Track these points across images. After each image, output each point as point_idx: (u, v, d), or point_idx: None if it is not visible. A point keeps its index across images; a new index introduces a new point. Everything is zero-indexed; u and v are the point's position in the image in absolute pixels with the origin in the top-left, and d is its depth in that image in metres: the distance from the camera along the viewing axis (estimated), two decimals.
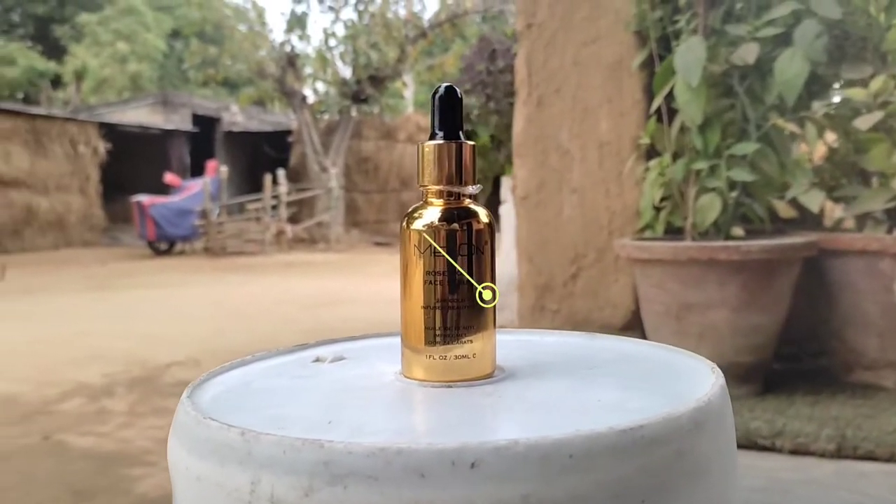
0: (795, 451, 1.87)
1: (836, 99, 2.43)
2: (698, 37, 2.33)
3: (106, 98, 17.83)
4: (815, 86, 2.38)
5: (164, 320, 5.27)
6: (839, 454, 1.83)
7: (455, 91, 0.55)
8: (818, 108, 2.34)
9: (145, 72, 19.57)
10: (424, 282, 0.53)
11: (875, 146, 2.25)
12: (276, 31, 15.23)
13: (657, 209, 2.57)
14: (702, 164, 2.33)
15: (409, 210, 0.55)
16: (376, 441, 0.38)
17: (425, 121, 13.92)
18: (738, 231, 2.33)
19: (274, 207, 11.73)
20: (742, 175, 2.25)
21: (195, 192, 11.06)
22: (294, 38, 13.22)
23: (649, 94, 2.69)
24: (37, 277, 8.23)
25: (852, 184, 2.46)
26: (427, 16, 13.06)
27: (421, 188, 0.55)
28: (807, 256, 2.24)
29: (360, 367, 0.61)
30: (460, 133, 0.55)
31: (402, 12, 13.09)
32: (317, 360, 0.64)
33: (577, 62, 2.82)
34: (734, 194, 2.32)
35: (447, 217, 0.54)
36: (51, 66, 19.45)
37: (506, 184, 3.52)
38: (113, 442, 2.63)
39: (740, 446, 1.88)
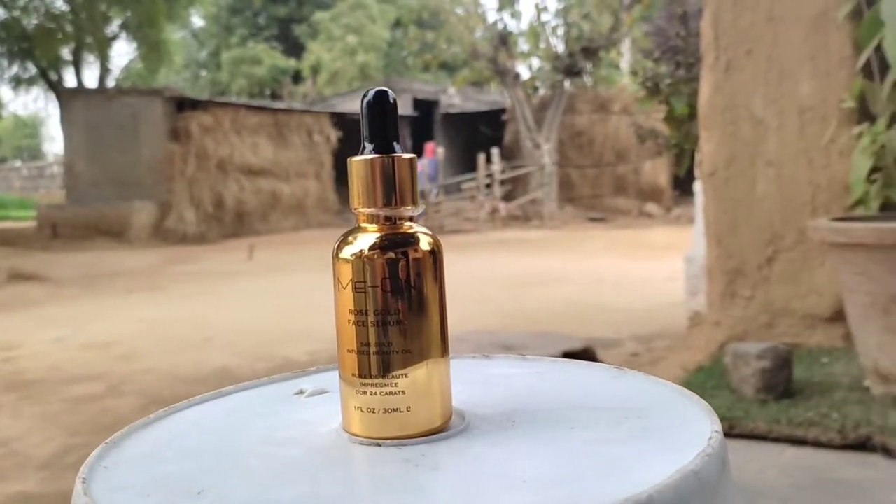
0: None
1: None
2: None
3: (338, 89, 19.10)
4: None
5: None
6: None
7: (387, 95, 0.47)
8: None
9: (372, 62, 20.67)
10: (351, 322, 0.46)
11: None
12: (489, 11, 15.33)
13: (870, 182, 2.21)
14: None
15: (344, 235, 0.48)
16: None
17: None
18: None
19: (488, 186, 11.90)
20: None
21: None
22: (506, 17, 13.24)
23: (861, 50, 2.31)
24: (279, 257, 9.06)
25: None
26: None
27: (353, 211, 0.48)
28: None
29: (327, 405, 0.55)
30: (394, 145, 0.47)
31: None
32: (299, 392, 0.59)
33: (771, 17, 2.50)
34: None
35: (378, 245, 0.46)
36: (291, 63, 21.22)
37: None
38: None
39: None
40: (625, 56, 14.17)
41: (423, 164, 11.57)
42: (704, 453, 0.39)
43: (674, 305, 4.39)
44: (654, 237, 9.81)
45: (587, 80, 12.96)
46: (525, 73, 13.75)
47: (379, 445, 0.45)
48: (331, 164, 13.75)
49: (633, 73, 3.48)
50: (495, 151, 12.16)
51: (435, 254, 0.47)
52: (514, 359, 0.64)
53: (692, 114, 3.45)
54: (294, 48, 22.15)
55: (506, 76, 13.04)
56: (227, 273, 7.56)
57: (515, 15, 13.23)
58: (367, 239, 0.46)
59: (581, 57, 12.60)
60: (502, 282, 6.23)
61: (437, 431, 0.46)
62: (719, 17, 2.60)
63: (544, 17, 13.16)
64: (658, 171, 12.96)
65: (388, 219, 0.47)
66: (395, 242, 0.46)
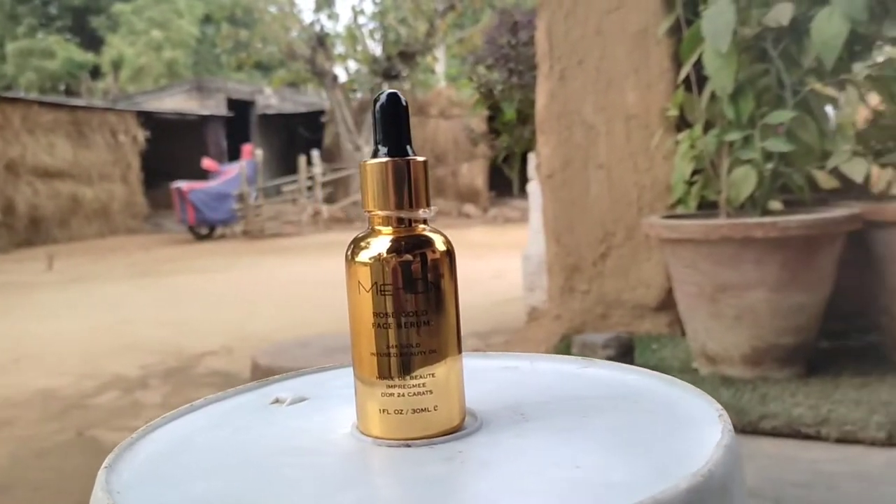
0: (842, 440, 1.76)
1: (879, 59, 2.27)
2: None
3: (143, 86, 17.99)
4: (856, 46, 2.23)
5: (203, 306, 5.30)
6: (890, 442, 1.71)
7: (398, 98, 0.47)
8: (860, 69, 2.19)
9: (180, 58, 19.68)
10: (374, 324, 0.46)
11: None
12: (306, 11, 15.19)
13: (689, 183, 2.45)
14: (735, 135, 2.20)
15: (355, 238, 0.48)
16: None
17: (456, 95, 13.76)
18: (775, 205, 2.21)
19: (309, 188, 11.74)
20: (778, 145, 2.12)
21: (232, 176, 11.15)
22: (323, 18, 13.14)
23: (678, 63, 2.55)
24: (84, 266, 8.38)
25: None
26: None
27: (367, 214, 0.48)
28: (851, 230, 2.11)
29: (318, 412, 0.54)
30: (408, 147, 0.47)
31: None
32: (276, 401, 0.57)
33: (599, 31, 2.69)
34: (770, 166, 2.19)
35: (397, 248, 0.46)
36: (89, 57, 19.69)
37: (532, 161, 3.42)
38: None
39: (782, 435, 1.76)
40: (440, 61, 14.55)
41: (240, 167, 11.20)
42: (727, 429, 0.43)
43: (506, 302, 4.58)
44: (475, 237, 10.15)
45: (405, 84, 13.16)
46: (343, 76, 13.73)
47: (409, 446, 0.45)
48: (139, 166, 12.93)
49: (469, 78, 3.60)
50: (315, 153, 12.02)
51: (450, 253, 0.48)
52: (477, 356, 0.66)
53: (521, 118, 3.63)
54: (92, 41, 20.57)
55: (324, 78, 12.93)
56: (25, 285, 6.90)
57: (333, 17, 13.17)
58: (382, 242, 0.47)
59: (399, 61, 12.77)
60: (334, 284, 6.15)
61: (458, 429, 0.47)
62: (552, 30, 2.77)
63: (361, 20, 13.20)
64: (475, 174, 13.42)
65: (401, 221, 0.47)
66: (414, 244, 0.47)
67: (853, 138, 2.25)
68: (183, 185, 10.85)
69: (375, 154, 0.47)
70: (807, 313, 2.09)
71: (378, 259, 0.46)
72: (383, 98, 0.47)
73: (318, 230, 11.32)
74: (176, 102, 15.03)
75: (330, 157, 13.09)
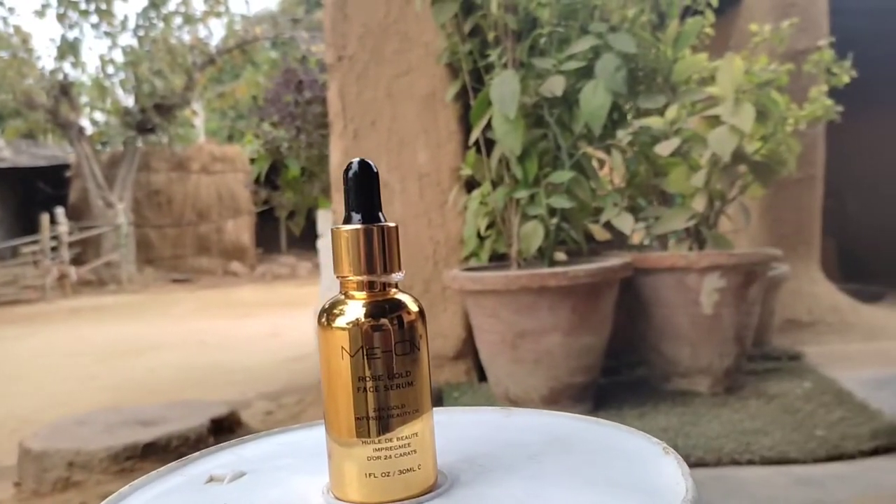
0: None
1: (635, 127, 2.61)
2: (511, 70, 2.40)
3: None
4: (618, 115, 2.54)
5: None
6: None
7: (370, 167, 0.49)
8: (622, 136, 2.50)
9: None
10: (355, 388, 0.46)
11: (674, 170, 2.43)
12: (46, 58, 14.00)
13: (482, 238, 2.61)
14: (522, 193, 2.39)
15: (327, 305, 0.48)
16: None
17: (219, 150, 13.38)
18: (560, 256, 2.42)
19: (54, 249, 10.69)
20: (561, 202, 2.34)
21: None
22: (67, 66, 12.18)
23: (464, 125, 2.73)
24: None
25: (653, 205, 2.64)
26: (214, 42, 12.59)
27: (339, 279, 0.48)
28: (624, 276, 2.37)
29: (270, 485, 0.52)
30: (380, 214, 0.49)
31: (187, 38, 12.53)
32: (210, 479, 0.54)
33: (390, 94, 2.81)
34: (554, 221, 2.40)
35: (374, 312, 0.47)
36: None
37: (322, 217, 3.43)
38: None
39: None
40: (200, 115, 14.08)
41: None
42: (681, 460, 0.49)
43: (294, 360, 4.49)
44: (244, 295, 9.84)
45: (163, 137, 12.54)
46: (91, 128, 12.77)
47: None
48: None
49: (255, 135, 3.55)
50: (60, 211, 10.99)
51: (422, 313, 0.50)
52: None
53: (308, 175, 3.64)
54: None
55: (68, 129, 11.94)
56: None
57: (78, 65, 12.23)
58: (357, 306, 0.47)
59: (154, 113, 12.16)
60: (93, 354, 5.66)
61: (435, 487, 0.48)
62: (345, 91, 2.83)
63: (110, 69, 12.43)
64: (241, 230, 13.06)
65: (372, 285, 0.48)
66: (391, 307, 0.48)
67: (619, 196, 2.55)
68: None
69: (348, 220, 0.48)
70: (593, 353, 2.31)
71: (357, 324, 0.47)
72: (355, 165, 0.48)
73: (66, 295, 10.32)
74: None
75: (77, 215, 12.03)
